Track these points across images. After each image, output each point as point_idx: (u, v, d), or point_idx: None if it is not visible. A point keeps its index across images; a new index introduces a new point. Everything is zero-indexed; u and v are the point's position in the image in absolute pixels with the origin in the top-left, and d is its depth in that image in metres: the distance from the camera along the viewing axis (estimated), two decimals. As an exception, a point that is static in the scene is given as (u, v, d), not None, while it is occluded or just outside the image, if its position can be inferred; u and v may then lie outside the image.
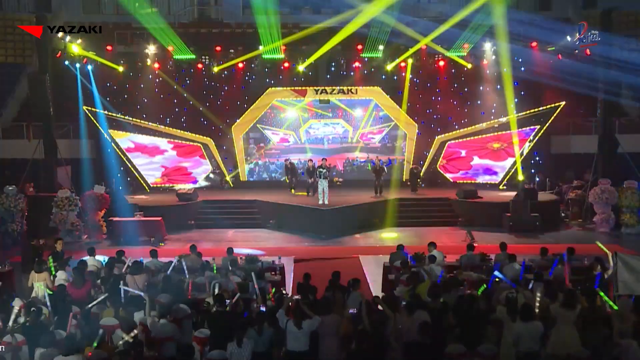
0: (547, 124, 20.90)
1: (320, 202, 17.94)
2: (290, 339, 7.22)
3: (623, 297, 7.78)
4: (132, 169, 21.47)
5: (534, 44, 19.99)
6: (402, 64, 21.15)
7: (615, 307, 7.84)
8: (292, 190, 20.32)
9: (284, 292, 9.91)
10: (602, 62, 18.34)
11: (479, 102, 21.80)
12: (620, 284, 7.22)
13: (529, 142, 21.18)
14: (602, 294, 7.98)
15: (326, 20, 20.37)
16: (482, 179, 21.84)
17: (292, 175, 20.69)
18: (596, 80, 18.57)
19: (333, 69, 21.67)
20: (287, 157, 21.38)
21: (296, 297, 8.55)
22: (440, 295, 8.17)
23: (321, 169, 18.07)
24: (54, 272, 10.26)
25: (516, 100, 21.21)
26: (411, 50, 20.35)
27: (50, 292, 8.85)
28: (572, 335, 7.08)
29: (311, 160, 20.25)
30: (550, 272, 9.58)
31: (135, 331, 7.23)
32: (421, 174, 21.50)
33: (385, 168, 20.18)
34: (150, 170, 21.91)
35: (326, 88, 21.71)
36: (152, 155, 21.81)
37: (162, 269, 10.40)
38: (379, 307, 7.94)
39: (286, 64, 21.09)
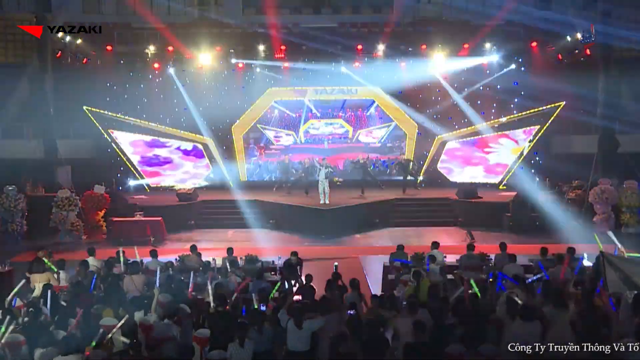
0: (547, 124, 20.90)
1: (322, 201, 17.93)
2: (291, 339, 7.20)
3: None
4: (132, 168, 21.45)
5: (534, 43, 19.98)
6: (402, 64, 21.16)
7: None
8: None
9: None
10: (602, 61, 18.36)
11: (479, 102, 21.80)
12: (609, 283, 7.21)
13: (529, 142, 21.17)
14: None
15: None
16: (482, 178, 21.82)
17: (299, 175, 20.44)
18: (596, 80, 18.58)
19: (333, 68, 21.69)
20: (289, 154, 21.14)
21: (296, 297, 8.54)
22: (439, 295, 8.16)
23: (321, 168, 18.06)
24: (56, 269, 10.21)
25: (516, 100, 21.23)
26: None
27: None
28: (566, 335, 7.07)
29: (309, 159, 20.35)
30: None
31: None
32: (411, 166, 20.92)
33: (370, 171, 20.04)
34: (148, 169, 21.91)
35: (326, 88, 21.68)
36: (151, 154, 21.80)
37: (163, 269, 10.38)
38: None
39: (286, 64, 21.09)
